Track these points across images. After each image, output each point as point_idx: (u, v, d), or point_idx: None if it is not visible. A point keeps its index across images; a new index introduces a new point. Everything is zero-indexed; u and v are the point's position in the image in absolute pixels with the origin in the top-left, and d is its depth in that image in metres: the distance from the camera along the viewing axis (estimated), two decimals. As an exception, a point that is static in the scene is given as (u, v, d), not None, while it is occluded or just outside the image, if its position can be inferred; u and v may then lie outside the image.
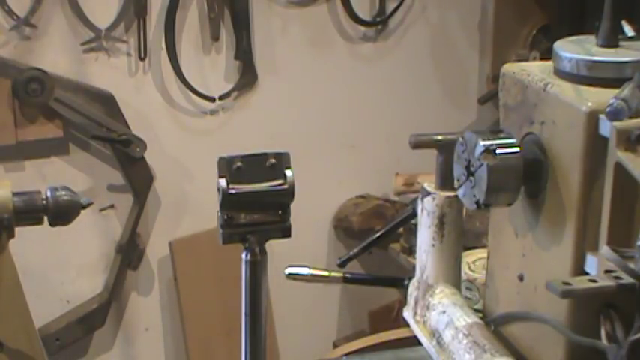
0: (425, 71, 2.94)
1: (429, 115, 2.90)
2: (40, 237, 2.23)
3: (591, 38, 1.03)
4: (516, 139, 1.00)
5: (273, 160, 1.03)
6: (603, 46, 1.01)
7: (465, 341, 1.00)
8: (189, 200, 2.67)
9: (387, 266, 2.74)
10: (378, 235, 1.44)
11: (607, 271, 0.90)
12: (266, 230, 1.03)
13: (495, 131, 1.00)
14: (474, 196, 0.99)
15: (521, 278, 1.07)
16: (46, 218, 1.18)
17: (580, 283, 0.89)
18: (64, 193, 1.18)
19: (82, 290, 2.58)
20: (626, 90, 0.92)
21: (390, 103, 2.90)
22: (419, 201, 1.11)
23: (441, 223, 1.08)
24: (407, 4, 2.85)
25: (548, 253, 1.01)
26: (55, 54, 2.41)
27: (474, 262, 1.45)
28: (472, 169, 0.98)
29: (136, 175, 2.54)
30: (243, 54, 2.59)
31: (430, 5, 2.89)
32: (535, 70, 1.04)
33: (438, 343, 1.04)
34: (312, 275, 1.30)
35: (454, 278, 1.11)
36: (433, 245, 1.09)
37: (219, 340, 2.63)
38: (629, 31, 1.04)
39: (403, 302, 1.17)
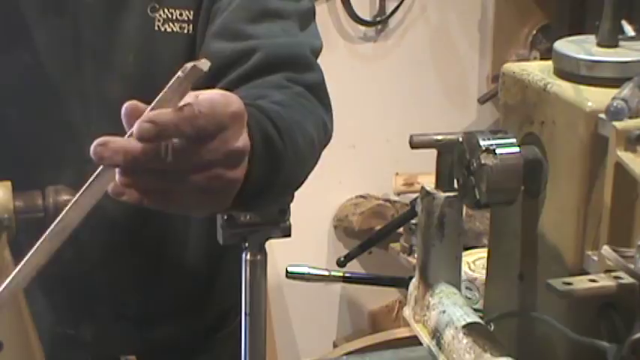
0: (425, 71, 2.94)
1: (429, 115, 2.90)
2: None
3: (591, 38, 1.03)
4: (516, 139, 1.00)
5: (273, 160, 1.02)
6: (603, 46, 1.01)
7: (464, 341, 1.00)
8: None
9: (387, 266, 2.74)
10: (378, 234, 1.44)
11: (607, 271, 0.90)
12: (266, 230, 1.03)
13: (495, 131, 1.00)
14: (474, 196, 0.99)
15: (521, 278, 1.07)
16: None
17: (580, 283, 0.89)
18: (64, 193, 1.17)
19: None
20: (626, 90, 0.92)
21: (391, 103, 2.90)
22: (419, 201, 1.11)
23: (440, 223, 1.08)
24: (407, 4, 2.85)
25: (548, 253, 1.01)
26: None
27: (473, 262, 1.45)
28: (472, 169, 0.98)
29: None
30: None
31: (430, 5, 2.89)
32: (535, 70, 1.04)
33: (438, 343, 1.04)
34: (312, 275, 1.30)
35: (454, 278, 1.11)
36: (433, 245, 1.09)
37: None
38: (629, 31, 1.04)
39: (403, 302, 1.17)
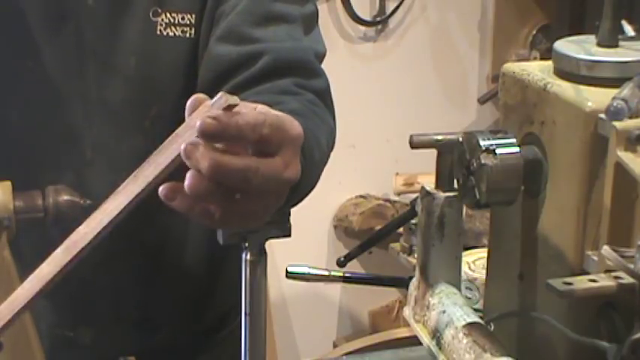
0: (425, 71, 2.94)
1: (429, 115, 2.90)
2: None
3: (591, 38, 1.03)
4: (516, 139, 1.00)
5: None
6: (603, 46, 1.01)
7: (465, 341, 1.00)
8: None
9: (387, 266, 2.74)
10: (378, 234, 1.44)
11: (607, 271, 0.90)
12: (266, 230, 1.03)
13: (495, 131, 1.00)
14: (474, 196, 0.99)
15: (521, 278, 1.07)
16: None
17: (580, 283, 0.89)
18: (64, 192, 1.18)
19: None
20: (626, 90, 0.92)
21: (391, 103, 2.90)
22: (419, 201, 1.11)
23: (440, 223, 1.08)
24: (407, 4, 2.86)
25: (548, 253, 1.01)
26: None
27: (473, 262, 1.45)
28: (472, 169, 0.98)
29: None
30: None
31: (430, 5, 2.89)
32: (535, 70, 1.04)
33: (438, 343, 1.04)
34: (312, 275, 1.30)
35: (454, 278, 1.11)
36: (433, 245, 1.09)
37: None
38: (629, 31, 1.04)
39: (403, 302, 1.16)
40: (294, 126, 0.83)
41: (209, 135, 0.76)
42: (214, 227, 0.84)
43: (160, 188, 0.79)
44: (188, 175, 0.77)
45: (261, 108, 0.82)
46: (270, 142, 0.79)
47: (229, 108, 0.78)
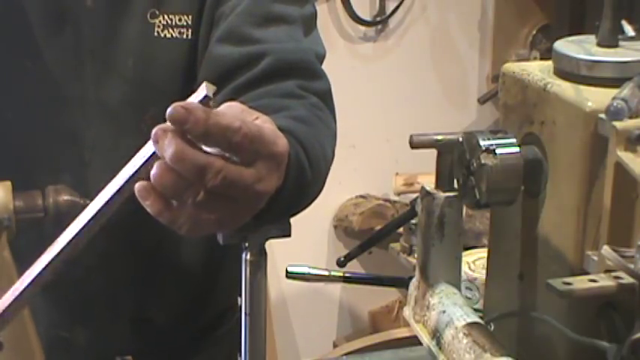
0: (425, 71, 2.94)
1: (429, 115, 2.90)
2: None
3: (591, 38, 1.03)
4: (516, 139, 1.00)
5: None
6: (603, 46, 1.01)
7: (465, 341, 1.00)
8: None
9: (387, 266, 2.74)
10: (378, 234, 1.44)
11: (607, 271, 0.90)
12: (266, 230, 1.03)
13: (495, 131, 1.00)
14: (474, 196, 0.99)
15: (521, 278, 1.07)
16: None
17: (580, 283, 0.89)
18: (64, 192, 1.17)
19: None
20: (626, 90, 0.92)
21: (390, 103, 2.90)
22: (419, 201, 1.11)
23: (440, 223, 1.08)
24: (407, 4, 2.86)
25: (548, 253, 1.01)
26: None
27: (473, 262, 1.45)
28: (472, 169, 0.98)
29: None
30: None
31: (430, 5, 2.89)
32: (535, 70, 1.04)
33: (438, 343, 1.04)
34: (312, 275, 1.30)
35: (454, 278, 1.11)
36: (433, 245, 1.09)
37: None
38: (629, 31, 1.04)
39: (403, 302, 1.16)
40: (279, 143, 0.83)
41: (175, 121, 0.76)
42: (182, 234, 0.84)
43: (136, 185, 0.80)
44: (155, 165, 0.79)
45: (246, 119, 0.80)
46: (242, 152, 0.79)
47: (210, 102, 0.79)
